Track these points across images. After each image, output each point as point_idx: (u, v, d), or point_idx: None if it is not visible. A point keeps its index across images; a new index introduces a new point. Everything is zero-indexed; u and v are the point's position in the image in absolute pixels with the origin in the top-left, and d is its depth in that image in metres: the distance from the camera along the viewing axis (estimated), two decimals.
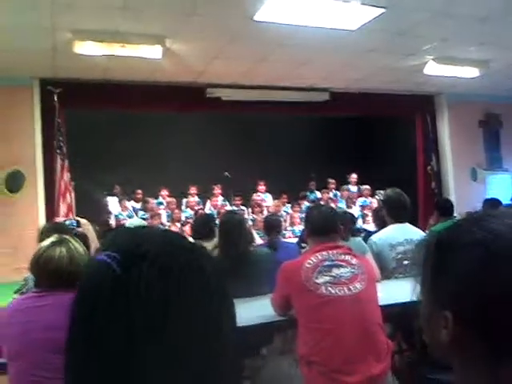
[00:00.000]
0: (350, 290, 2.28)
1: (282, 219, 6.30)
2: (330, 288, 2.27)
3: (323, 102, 7.89)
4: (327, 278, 2.28)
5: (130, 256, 0.61)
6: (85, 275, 0.64)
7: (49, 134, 6.43)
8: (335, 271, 2.31)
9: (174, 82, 7.03)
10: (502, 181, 8.85)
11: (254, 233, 8.11)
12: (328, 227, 2.47)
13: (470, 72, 7.06)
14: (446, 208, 4.64)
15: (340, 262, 2.35)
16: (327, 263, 2.33)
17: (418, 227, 7.72)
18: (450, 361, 0.76)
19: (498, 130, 9.16)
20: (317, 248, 2.42)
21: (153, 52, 5.66)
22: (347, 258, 2.38)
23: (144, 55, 5.72)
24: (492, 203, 4.86)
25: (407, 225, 3.66)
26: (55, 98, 6.34)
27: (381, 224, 3.91)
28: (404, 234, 3.53)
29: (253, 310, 2.79)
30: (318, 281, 2.28)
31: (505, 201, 5.75)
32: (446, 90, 8.45)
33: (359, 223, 8.39)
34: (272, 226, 4.62)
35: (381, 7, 4.95)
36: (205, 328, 0.61)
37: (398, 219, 3.63)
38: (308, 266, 2.33)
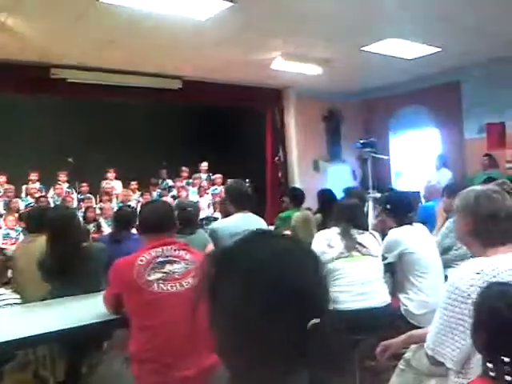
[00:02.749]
0: (182, 285, 2.29)
1: (135, 211, 6.04)
2: (161, 285, 2.25)
3: (175, 89, 7.82)
4: (159, 275, 2.26)
5: None
6: None
7: None
8: (168, 267, 2.30)
9: (13, 60, 6.45)
10: (341, 171, 9.62)
11: (103, 222, 7.86)
12: (161, 224, 2.44)
13: (314, 69, 7.51)
14: (297, 197, 5.23)
15: (174, 257, 2.34)
16: (160, 259, 2.31)
17: (266, 214, 8.06)
18: None
19: (339, 125, 9.92)
20: (151, 244, 2.38)
21: None
22: (181, 253, 2.38)
23: None
24: (324, 194, 5.29)
25: (250, 214, 3.76)
26: None
27: (226, 215, 4.00)
28: (245, 224, 3.63)
29: (86, 309, 2.70)
30: (149, 278, 2.25)
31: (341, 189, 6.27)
32: (293, 86, 8.90)
33: (210, 212, 8.53)
34: (122, 219, 4.38)
35: (230, 1, 5.02)
36: None
37: (241, 208, 3.72)
38: (140, 263, 2.28)
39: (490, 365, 1.27)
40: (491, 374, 1.26)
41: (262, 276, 0.75)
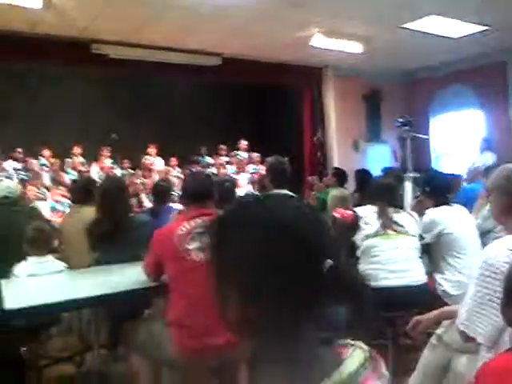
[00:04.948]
0: None
1: (172, 185, 6.21)
2: (199, 254, 2.34)
3: (215, 66, 7.85)
4: (198, 245, 2.35)
5: None
6: None
7: None
8: (206, 238, 2.37)
9: (57, 35, 6.61)
10: (381, 152, 9.48)
11: (144, 196, 8.04)
12: (202, 194, 2.52)
13: (355, 47, 7.38)
14: (341, 176, 5.59)
15: None
16: (199, 230, 2.39)
17: (302, 193, 8.08)
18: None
19: (379, 104, 9.74)
20: (190, 214, 2.46)
21: (32, 1, 5.29)
22: None
23: (22, 4, 5.33)
24: (362, 174, 5.28)
25: (286, 192, 3.79)
26: None
27: (261, 190, 4.05)
28: None
29: (129, 276, 2.80)
30: (189, 247, 2.34)
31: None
32: (332, 64, 8.77)
33: (248, 189, 8.59)
34: (160, 193, 4.57)
35: None
36: None
37: (278, 186, 3.76)
38: (181, 232, 2.37)
39: None
40: None
41: (276, 228, 0.77)
